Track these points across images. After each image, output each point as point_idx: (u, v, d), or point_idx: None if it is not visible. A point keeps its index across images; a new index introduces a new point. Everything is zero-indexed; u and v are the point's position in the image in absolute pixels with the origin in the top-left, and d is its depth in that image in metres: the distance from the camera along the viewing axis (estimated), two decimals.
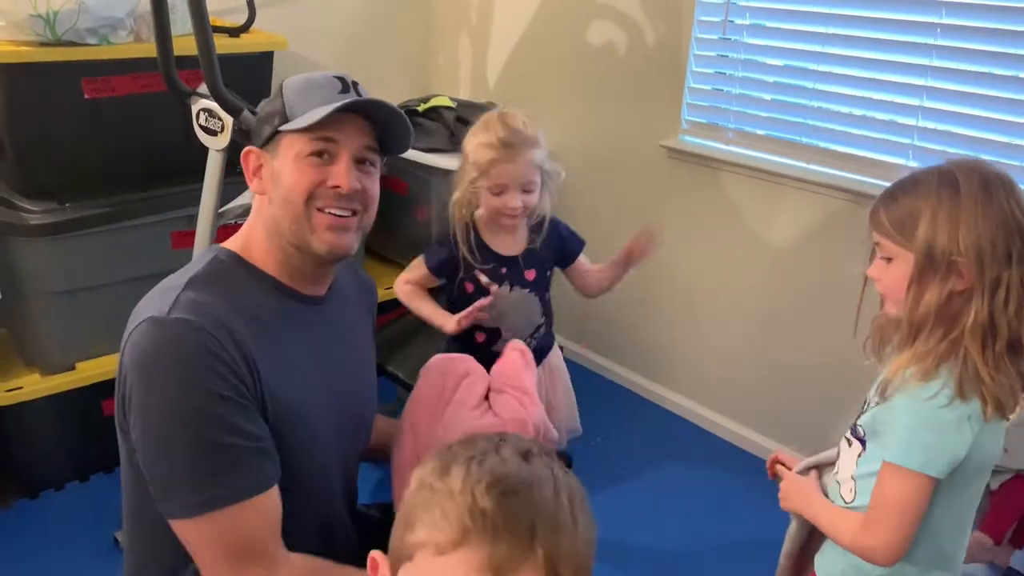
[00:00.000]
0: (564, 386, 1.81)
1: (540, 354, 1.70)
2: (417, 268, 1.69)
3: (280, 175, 1.06)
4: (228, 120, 1.65)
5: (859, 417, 1.18)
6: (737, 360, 2.42)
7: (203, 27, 1.54)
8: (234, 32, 2.23)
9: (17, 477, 2.09)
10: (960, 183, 1.03)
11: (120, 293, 2.04)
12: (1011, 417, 1.06)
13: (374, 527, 1.37)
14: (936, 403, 1.03)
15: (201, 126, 1.74)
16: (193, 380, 0.95)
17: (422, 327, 2.49)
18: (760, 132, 2.26)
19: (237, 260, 1.09)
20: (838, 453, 1.26)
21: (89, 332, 2.05)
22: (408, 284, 1.71)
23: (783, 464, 1.35)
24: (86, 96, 1.94)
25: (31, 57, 1.82)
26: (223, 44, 2.15)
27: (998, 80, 1.83)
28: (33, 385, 2.01)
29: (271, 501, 1.01)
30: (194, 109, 1.75)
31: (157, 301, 1.00)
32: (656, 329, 2.62)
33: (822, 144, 2.14)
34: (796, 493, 1.25)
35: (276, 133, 1.08)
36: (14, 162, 1.95)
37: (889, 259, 1.09)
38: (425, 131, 2.58)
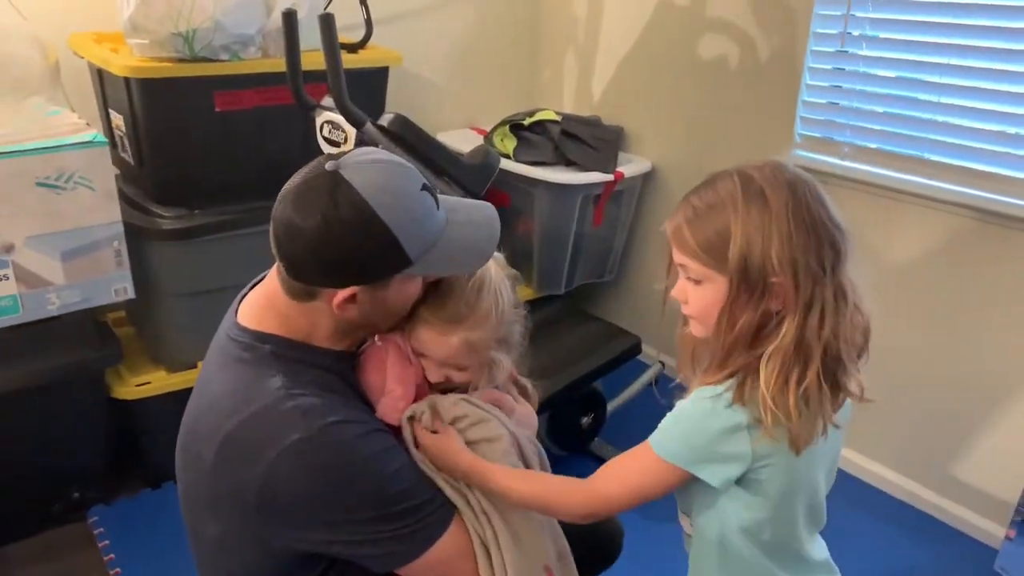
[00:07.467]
0: None
1: None
2: None
3: (388, 303, 1.06)
4: (351, 132, 1.72)
5: None
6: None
7: (332, 46, 1.61)
8: (352, 48, 2.31)
9: (143, 467, 2.22)
10: (767, 194, 0.93)
11: None
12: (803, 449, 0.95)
13: None
14: (711, 400, 0.96)
15: (325, 137, 1.81)
16: (368, 458, 1.03)
17: None
18: (877, 146, 2.19)
19: (289, 344, 1.09)
20: None
21: (211, 333, 2.14)
22: None
23: None
24: (217, 109, 2.05)
25: (170, 72, 1.94)
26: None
27: None
28: (160, 381, 2.13)
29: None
30: (318, 121, 1.82)
31: (283, 424, 1.00)
32: None
33: (943, 159, 2.06)
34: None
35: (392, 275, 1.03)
36: (151, 170, 2.08)
37: (697, 281, 0.98)
38: (530, 144, 2.62)
